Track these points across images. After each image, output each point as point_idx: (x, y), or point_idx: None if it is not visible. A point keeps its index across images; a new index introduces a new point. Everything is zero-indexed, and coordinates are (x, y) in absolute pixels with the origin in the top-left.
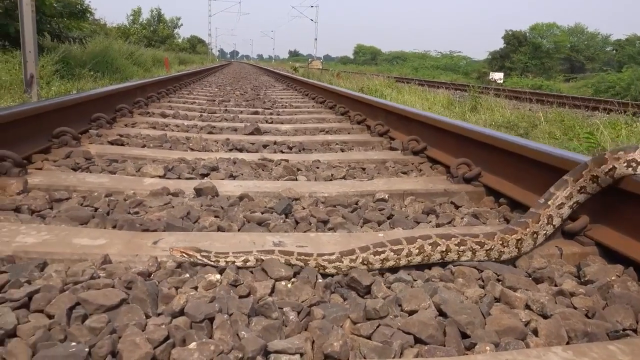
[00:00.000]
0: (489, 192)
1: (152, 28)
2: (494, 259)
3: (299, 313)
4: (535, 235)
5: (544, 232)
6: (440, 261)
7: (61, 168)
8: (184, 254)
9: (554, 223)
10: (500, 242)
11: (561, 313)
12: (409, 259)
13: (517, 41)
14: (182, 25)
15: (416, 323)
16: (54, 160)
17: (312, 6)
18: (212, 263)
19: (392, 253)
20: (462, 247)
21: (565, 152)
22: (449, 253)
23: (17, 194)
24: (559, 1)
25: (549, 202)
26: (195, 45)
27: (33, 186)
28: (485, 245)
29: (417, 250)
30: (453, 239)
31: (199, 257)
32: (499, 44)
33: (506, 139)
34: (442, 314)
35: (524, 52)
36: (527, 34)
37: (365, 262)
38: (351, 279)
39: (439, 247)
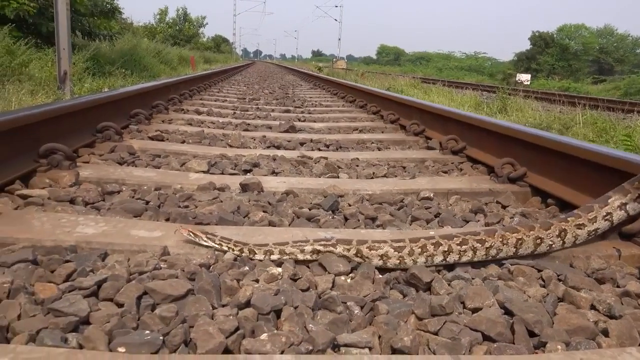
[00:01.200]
0: (534, 192)
1: (177, 27)
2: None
3: (362, 307)
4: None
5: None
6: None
7: (108, 162)
8: (190, 233)
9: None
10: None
11: (632, 314)
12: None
13: (544, 42)
14: (207, 24)
15: (484, 320)
16: (99, 154)
17: (336, 6)
18: (216, 245)
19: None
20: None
21: (622, 152)
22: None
23: (70, 186)
24: (588, 2)
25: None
26: (220, 44)
27: (84, 179)
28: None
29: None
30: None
31: (205, 238)
32: (525, 45)
33: (556, 139)
34: (507, 312)
35: (551, 53)
36: (555, 35)
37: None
38: (411, 275)
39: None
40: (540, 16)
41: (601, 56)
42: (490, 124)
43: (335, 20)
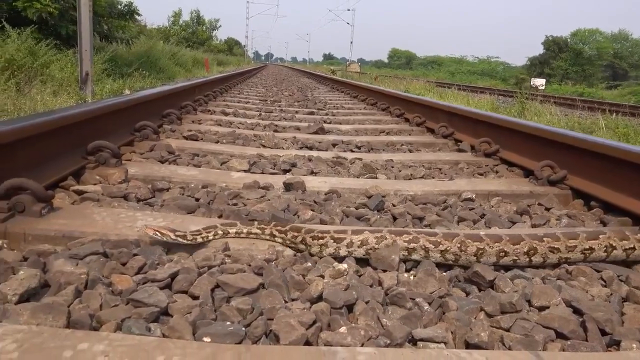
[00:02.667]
0: (576, 194)
1: (191, 30)
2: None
3: (430, 304)
4: None
5: None
6: None
7: (149, 160)
8: (156, 232)
9: None
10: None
11: None
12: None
13: (557, 47)
14: (220, 27)
15: (555, 318)
16: (140, 152)
17: (348, 9)
18: (188, 242)
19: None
20: None
21: None
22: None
23: (119, 183)
24: (602, 7)
25: None
26: (232, 47)
27: (131, 176)
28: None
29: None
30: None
31: (173, 236)
32: (538, 50)
33: (597, 141)
34: (575, 310)
35: (564, 58)
36: (569, 40)
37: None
38: (474, 273)
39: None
40: (554, 21)
41: (615, 61)
42: (527, 127)
43: (348, 23)
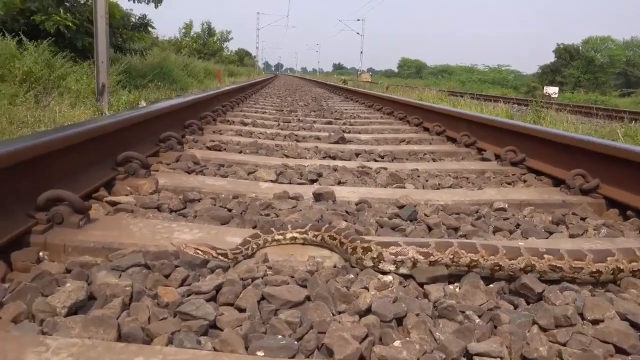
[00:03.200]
0: (609, 203)
1: (202, 41)
2: None
3: (480, 317)
4: None
5: None
6: None
7: (177, 171)
8: (197, 251)
9: None
10: None
11: None
12: None
13: (569, 55)
14: (232, 38)
15: (613, 332)
16: (166, 163)
17: (358, 19)
18: (229, 261)
19: None
20: None
21: None
22: None
23: (150, 194)
24: (614, 14)
25: None
26: (243, 57)
27: (161, 187)
28: None
29: None
30: None
31: (214, 254)
32: (550, 58)
33: (631, 149)
34: (632, 324)
35: (576, 66)
36: (580, 48)
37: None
38: (522, 285)
39: None
40: (565, 29)
41: (628, 69)
42: (555, 135)
43: (358, 33)
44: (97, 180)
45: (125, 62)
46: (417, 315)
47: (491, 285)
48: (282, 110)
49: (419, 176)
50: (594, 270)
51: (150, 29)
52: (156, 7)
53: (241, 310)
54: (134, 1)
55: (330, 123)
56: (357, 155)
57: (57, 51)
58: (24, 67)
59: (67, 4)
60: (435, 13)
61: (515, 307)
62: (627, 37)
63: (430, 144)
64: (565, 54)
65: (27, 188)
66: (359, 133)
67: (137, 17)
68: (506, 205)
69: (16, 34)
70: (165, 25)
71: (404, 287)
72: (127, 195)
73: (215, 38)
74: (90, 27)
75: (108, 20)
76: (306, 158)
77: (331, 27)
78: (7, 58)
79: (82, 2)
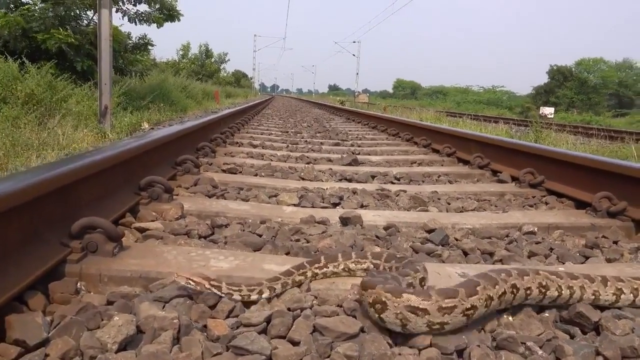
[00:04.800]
0: (637, 226)
1: (200, 62)
2: None
3: (541, 347)
4: None
5: None
6: None
7: (197, 195)
8: (189, 281)
9: None
10: None
11: None
12: None
13: (562, 76)
14: (229, 60)
15: None
16: (185, 187)
17: (354, 41)
18: (224, 295)
19: None
20: None
21: None
22: None
23: (176, 219)
24: (606, 36)
25: None
26: (240, 79)
27: (185, 212)
28: None
29: None
30: None
31: (207, 285)
32: (543, 79)
33: None
34: None
35: (569, 87)
36: (573, 69)
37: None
38: (577, 314)
39: None
40: (558, 50)
41: (620, 89)
42: (577, 157)
43: (353, 55)
44: (123, 206)
45: (126, 83)
46: (479, 346)
47: (546, 314)
48: (287, 132)
49: (439, 199)
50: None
51: (149, 47)
52: (158, 27)
53: (294, 343)
54: (135, 23)
55: (337, 144)
56: (373, 177)
57: (58, 73)
58: (26, 89)
59: (69, 27)
60: (430, 35)
61: (572, 336)
62: (619, 59)
63: (442, 165)
64: (559, 75)
65: (58, 216)
66: (369, 155)
67: (137, 37)
68: (535, 229)
69: (18, 56)
70: (164, 47)
71: None
72: (153, 220)
73: (212, 60)
74: (91, 50)
75: (111, 42)
76: (322, 180)
77: (327, 49)
78: (10, 80)
79: (84, 24)
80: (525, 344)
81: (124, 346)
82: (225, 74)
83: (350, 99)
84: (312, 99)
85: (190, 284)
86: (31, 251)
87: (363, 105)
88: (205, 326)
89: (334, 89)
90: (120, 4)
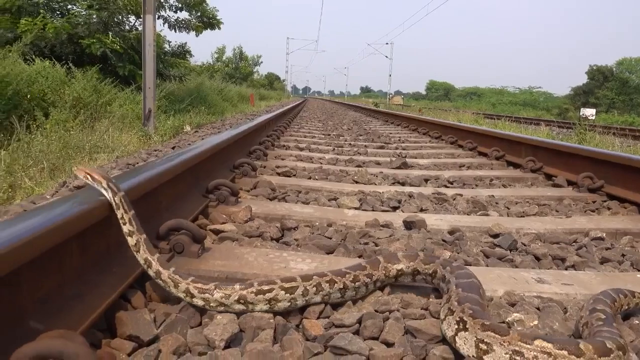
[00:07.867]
0: None
1: (234, 65)
2: None
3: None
4: None
5: None
6: None
7: (259, 197)
8: (87, 176)
9: None
10: None
11: None
12: None
13: (602, 76)
14: (262, 62)
15: None
16: (246, 190)
17: (387, 43)
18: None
19: None
20: None
21: None
22: None
23: (245, 222)
24: None
25: None
26: (273, 81)
27: (253, 214)
28: None
29: None
30: None
31: (105, 184)
32: (582, 79)
33: None
34: None
35: (610, 87)
36: (614, 69)
37: None
38: None
39: None
40: (597, 49)
41: None
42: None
43: (386, 57)
44: (195, 208)
45: (167, 87)
46: None
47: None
48: (329, 135)
49: (497, 203)
50: None
51: (189, 56)
52: (197, 35)
53: (389, 344)
54: (175, 30)
55: (382, 147)
56: (425, 181)
57: (101, 78)
58: (73, 93)
59: (111, 32)
60: (464, 36)
61: None
62: None
63: (492, 168)
64: (599, 75)
65: (146, 219)
66: (416, 158)
67: (177, 45)
68: (603, 235)
69: (65, 61)
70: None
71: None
72: (223, 223)
73: (246, 62)
74: (133, 55)
75: (155, 48)
76: (375, 184)
77: (359, 50)
78: (58, 84)
79: (125, 30)
80: None
81: (228, 344)
82: (258, 77)
83: (383, 101)
84: (345, 101)
85: (88, 178)
86: (128, 252)
87: (397, 107)
88: (298, 326)
89: (365, 90)
90: (162, 11)
